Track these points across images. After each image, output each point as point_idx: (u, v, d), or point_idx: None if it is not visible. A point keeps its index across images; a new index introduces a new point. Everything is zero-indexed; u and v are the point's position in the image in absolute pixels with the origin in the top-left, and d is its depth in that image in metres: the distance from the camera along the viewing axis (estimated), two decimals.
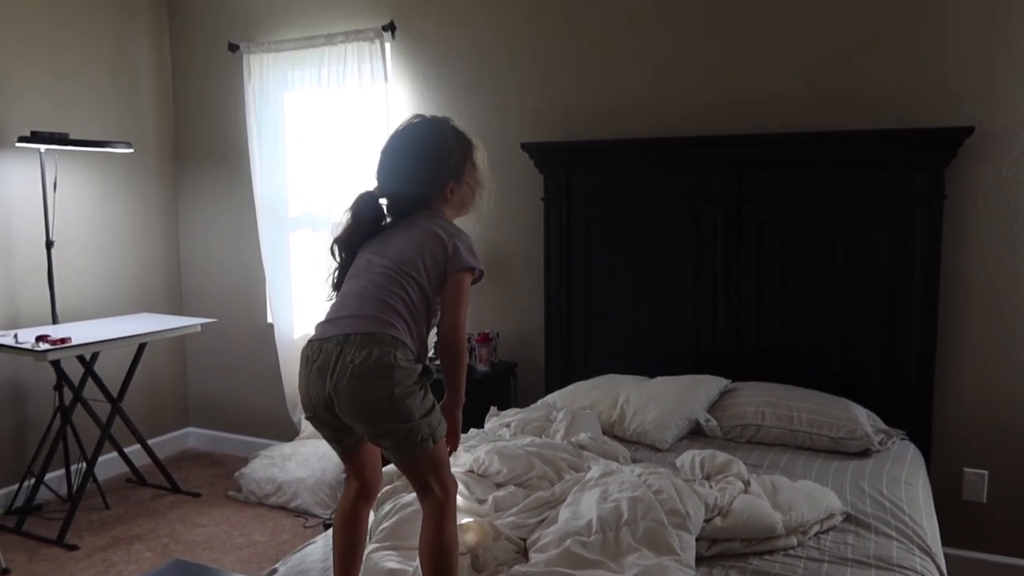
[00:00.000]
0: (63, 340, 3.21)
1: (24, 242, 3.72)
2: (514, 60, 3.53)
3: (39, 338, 3.21)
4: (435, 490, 1.70)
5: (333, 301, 1.84)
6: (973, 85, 2.80)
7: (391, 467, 2.12)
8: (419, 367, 1.72)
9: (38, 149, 3.59)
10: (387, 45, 3.75)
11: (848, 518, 2.10)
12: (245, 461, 4.06)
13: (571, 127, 3.42)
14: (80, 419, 3.70)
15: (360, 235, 1.88)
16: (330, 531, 1.92)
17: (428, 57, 3.72)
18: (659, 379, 3.02)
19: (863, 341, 2.94)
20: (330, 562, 1.87)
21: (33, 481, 3.61)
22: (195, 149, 4.44)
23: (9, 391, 3.71)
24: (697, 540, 1.89)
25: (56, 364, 3.48)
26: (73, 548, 3.30)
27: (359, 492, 1.87)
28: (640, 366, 3.21)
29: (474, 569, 1.83)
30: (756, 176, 3.06)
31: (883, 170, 2.87)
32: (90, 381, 3.66)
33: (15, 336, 3.28)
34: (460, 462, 2.31)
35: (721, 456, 2.30)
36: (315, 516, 3.56)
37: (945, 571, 1.97)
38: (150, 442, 4.06)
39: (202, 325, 3.83)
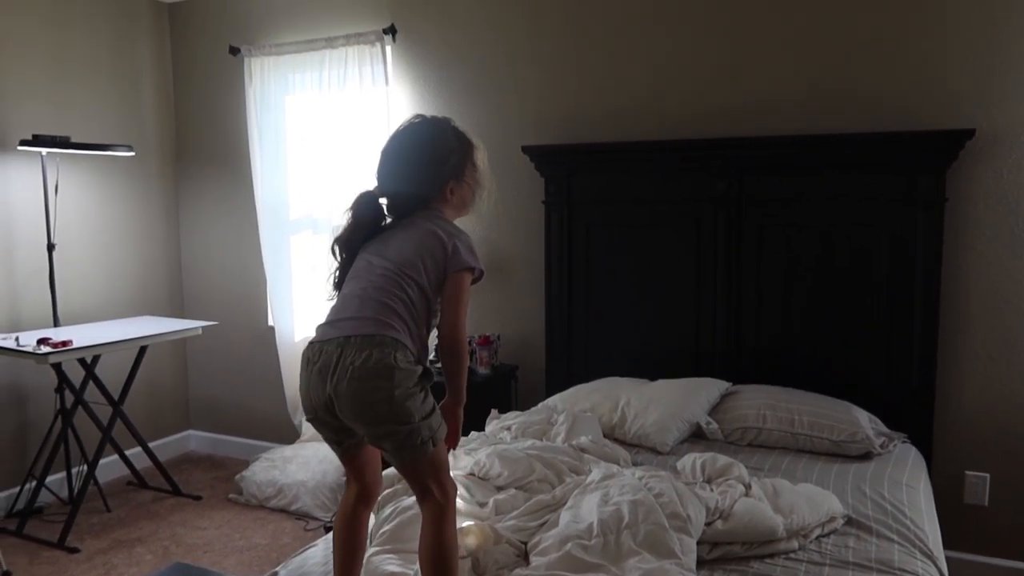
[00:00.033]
0: (64, 343, 3.21)
1: (25, 245, 3.73)
2: (515, 63, 3.54)
3: (40, 341, 3.21)
4: (435, 493, 1.70)
5: (333, 303, 1.84)
6: (973, 87, 2.80)
7: (391, 470, 2.12)
8: (419, 369, 1.72)
9: (40, 152, 3.60)
10: (388, 48, 3.76)
11: (849, 521, 2.10)
12: (246, 464, 4.06)
13: (572, 130, 3.42)
14: (81, 422, 3.70)
15: (360, 235, 1.88)
16: (331, 534, 1.92)
17: (429, 60, 3.72)
18: (660, 382, 3.02)
19: (864, 343, 2.94)
20: (331, 565, 1.87)
21: (34, 484, 3.62)
22: (196, 152, 4.45)
23: (10, 394, 3.71)
24: (698, 543, 1.89)
25: (57, 367, 3.48)
26: (74, 551, 3.30)
27: (359, 496, 1.87)
28: (641, 368, 3.21)
29: (474, 573, 1.82)
30: (757, 178, 3.06)
31: (884, 173, 2.87)
32: (91, 384, 3.66)
33: (16, 339, 3.28)
34: (461, 465, 2.31)
35: (722, 459, 2.30)
36: (316, 519, 3.56)
37: (947, 574, 1.97)
38: (151, 445, 4.06)
39: (203, 328, 3.83)
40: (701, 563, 1.87)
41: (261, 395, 4.37)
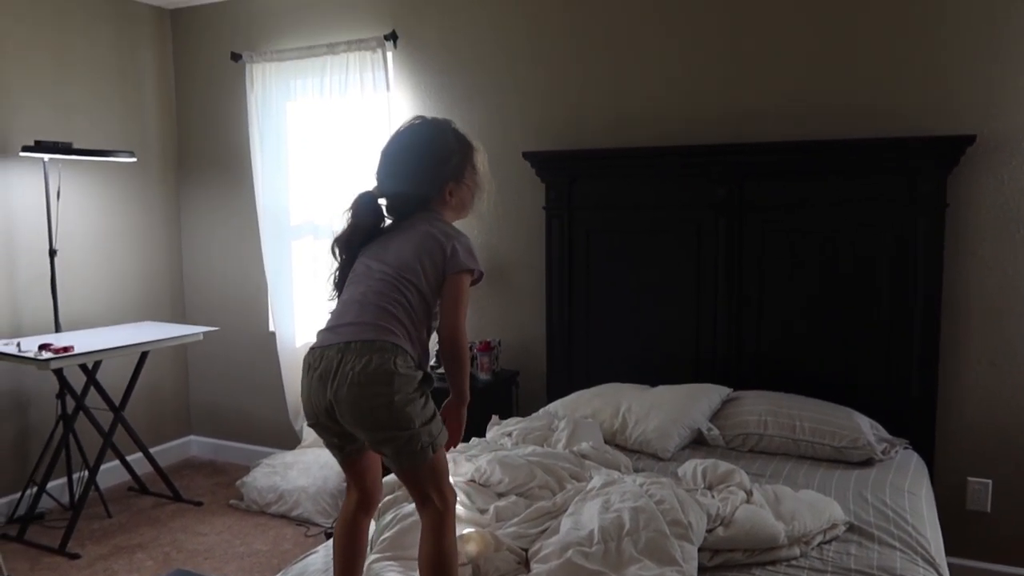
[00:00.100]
0: (66, 349, 3.22)
1: (27, 251, 3.73)
2: (516, 69, 3.54)
3: (42, 347, 3.21)
4: (434, 500, 1.70)
5: (334, 308, 1.84)
6: (974, 94, 2.80)
7: (392, 477, 2.11)
8: (419, 374, 1.72)
9: (42, 158, 3.61)
10: (389, 54, 3.77)
11: (851, 528, 2.09)
12: (247, 469, 4.06)
13: (573, 136, 3.43)
14: (82, 427, 3.70)
15: (359, 236, 1.88)
16: (331, 541, 1.91)
17: (430, 66, 3.73)
18: (661, 388, 3.02)
19: (865, 349, 2.94)
20: (331, 572, 1.87)
21: (35, 489, 3.61)
22: (198, 158, 4.45)
23: (12, 400, 3.71)
24: (699, 550, 1.88)
25: (59, 373, 3.49)
26: (75, 557, 3.30)
27: (359, 502, 1.87)
28: (642, 374, 3.21)
29: None
30: (758, 185, 3.06)
31: (884, 178, 2.87)
32: (92, 389, 3.66)
33: (18, 345, 3.29)
34: (461, 471, 2.31)
35: (723, 466, 2.29)
36: (317, 525, 3.56)
37: None
38: (152, 450, 4.06)
39: (204, 333, 3.84)
40: (702, 570, 1.87)
41: (262, 401, 4.37)
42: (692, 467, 2.34)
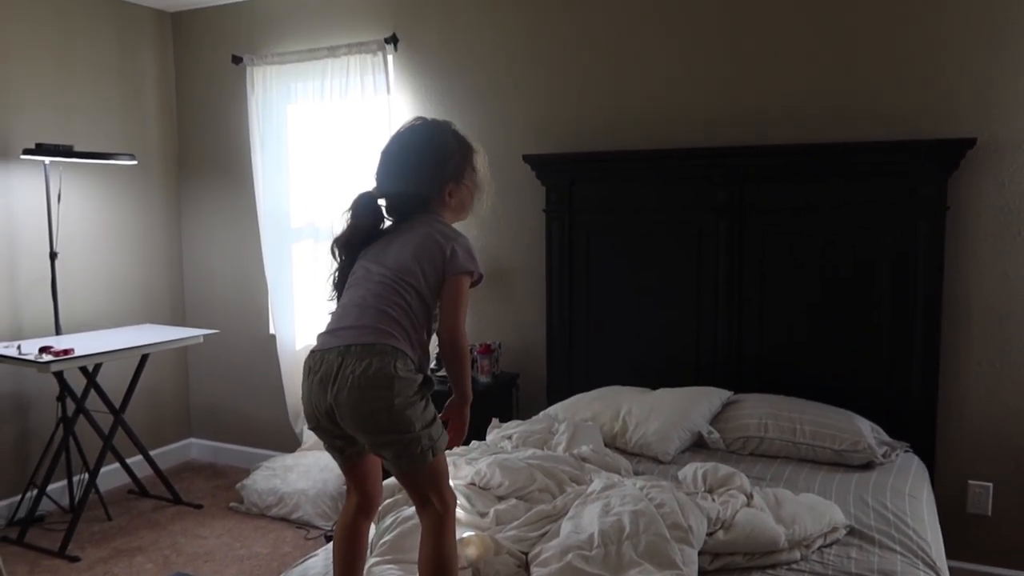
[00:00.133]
0: (66, 351, 3.22)
1: (28, 253, 3.74)
2: (516, 71, 3.54)
3: (42, 349, 3.21)
4: (434, 503, 1.70)
5: (333, 311, 1.84)
6: (974, 97, 2.80)
7: (392, 480, 2.11)
8: (420, 377, 1.72)
9: (43, 161, 3.61)
10: (389, 57, 3.77)
11: (852, 532, 2.09)
12: (247, 472, 4.06)
13: (574, 138, 3.43)
14: (82, 430, 3.70)
15: (359, 236, 1.88)
16: (331, 544, 1.91)
17: (430, 69, 3.73)
18: (661, 391, 3.01)
19: (866, 352, 2.94)
20: (331, 575, 1.87)
21: (35, 492, 3.61)
22: (198, 161, 4.46)
23: (12, 402, 3.71)
24: (699, 554, 1.88)
25: (59, 375, 3.49)
26: (75, 560, 3.30)
27: (359, 506, 1.87)
28: (642, 377, 3.20)
29: None
30: (758, 187, 3.06)
31: (886, 181, 2.87)
32: (93, 392, 3.66)
33: (18, 347, 3.29)
34: (461, 475, 2.31)
35: (724, 469, 2.29)
36: (317, 528, 3.55)
37: None
38: (152, 453, 4.06)
39: (204, 336, 3.84)
40: (703, 574, 1.87)
41: (262, 403, 4.37)
42: (692, 470, 2.33)
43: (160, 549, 3.41)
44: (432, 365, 3.28)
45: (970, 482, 2.92)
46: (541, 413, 3.10)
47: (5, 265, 3.66)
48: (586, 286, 3.38)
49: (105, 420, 3.73)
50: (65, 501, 3.78)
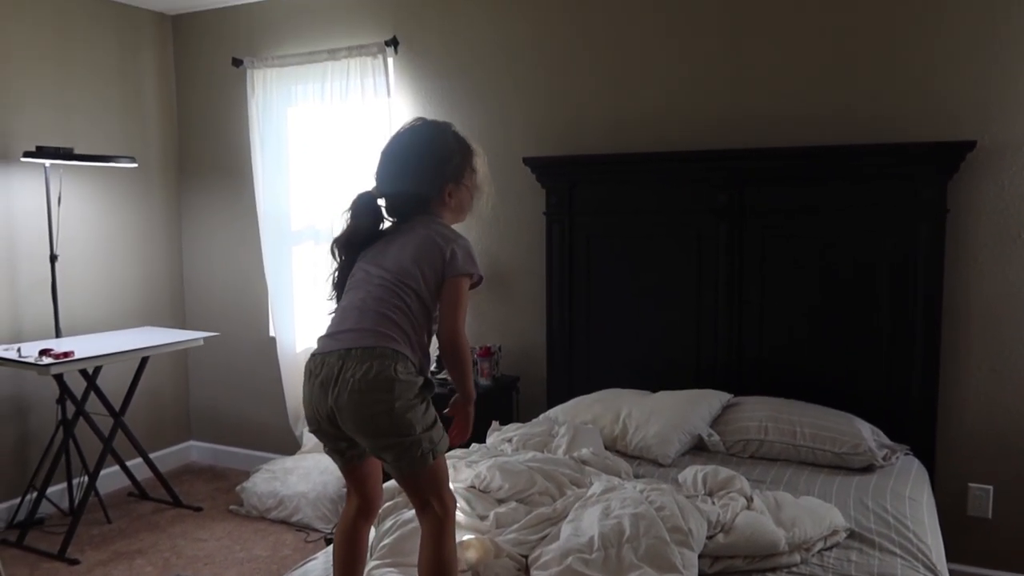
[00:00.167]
0: (66, 354, 3.22)
1: (28, 256, 3.74)
2: (517, 74, 3.55)
3: (42, 352, 3.21)
4: (434, 507, 1.70)
5: (333, 314, 1.84)
6: (974, 100, 2.80)
7: (392, 483, 2.11)
8: (420, 380, 1.72)
9: (43, 164, 3.61)
10: (390, 60, 3.77)
11: (852, 535, 2.09)
12: (247, 475, 4.05)
13: (574, 141, 3.43)
14: (82, 433, 3.70)
15: (359, 237, 1.88)
16: (331, 546, 1.91)
17: (430, 71, 3.74)
18: (661, 393, 3.01)
19: (866, 355, 2.94)
20: None
21: (35, 495, 3.61)
22: (199, 163, 4.46)
23: (12, 405, 3.71)
24: (700, 557, 1.88)
25: (59, 378, 3.48)
26: (74, 562, 3.29)
27: (359, 509, 1.87)
28: (642, 380, 3.20)
29: None
30: (758, 190, 3.06)
31: (885, 184, 2.87)
32: (92, 395, 3.66)
33: (18, 350, 3.29)
34: (461, 477, 2.31)
35: (724, 472, 2.29)
36: (316, 531, 3.55)
37: None
38: (152, 456, 4.06)
39: (204, 339, 3.83)
40: None
41: (262, 406, 4.36)
42: (692, 473, 2.33)
43: (160, 552, 3.40)
44: (432, 367, 3.28)
45: (970, 485, 2.92)
46: (541, 416, 3.10)
47: (5, 268, 3.66)
48: (586, 289, 3.38)
49: (105, 423, 3.73)
50: (65, 504, 3.78)
